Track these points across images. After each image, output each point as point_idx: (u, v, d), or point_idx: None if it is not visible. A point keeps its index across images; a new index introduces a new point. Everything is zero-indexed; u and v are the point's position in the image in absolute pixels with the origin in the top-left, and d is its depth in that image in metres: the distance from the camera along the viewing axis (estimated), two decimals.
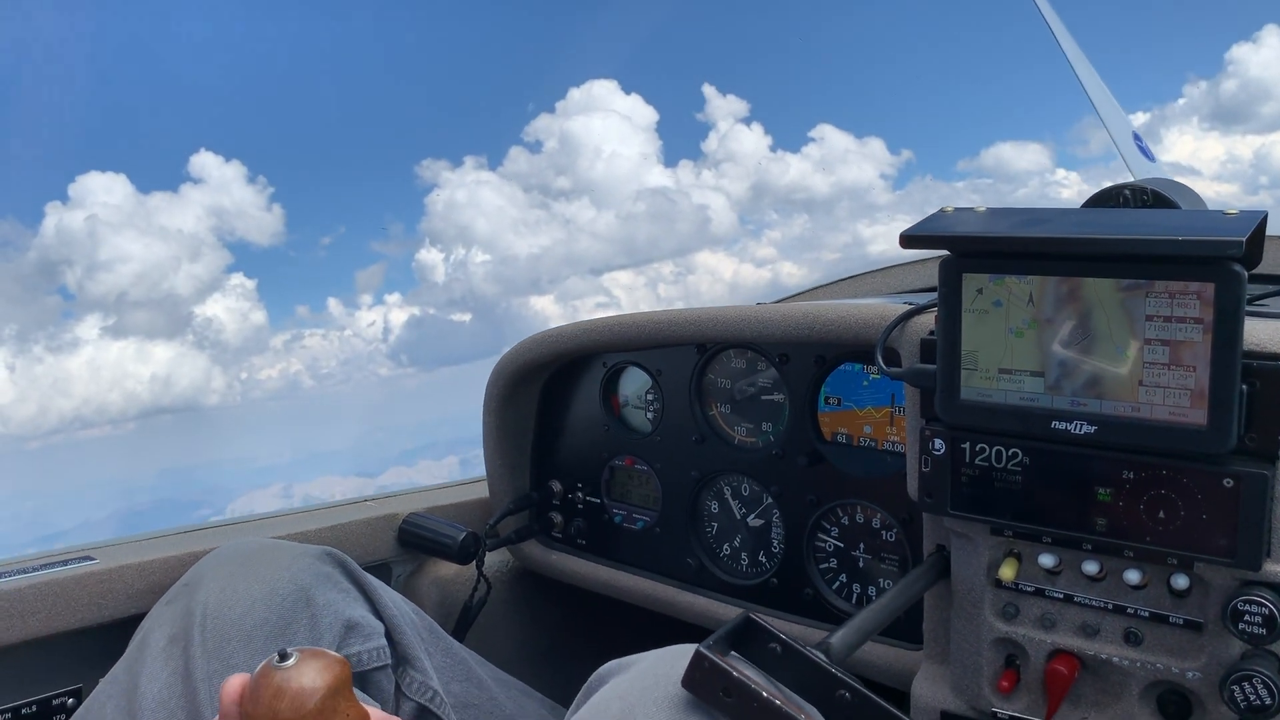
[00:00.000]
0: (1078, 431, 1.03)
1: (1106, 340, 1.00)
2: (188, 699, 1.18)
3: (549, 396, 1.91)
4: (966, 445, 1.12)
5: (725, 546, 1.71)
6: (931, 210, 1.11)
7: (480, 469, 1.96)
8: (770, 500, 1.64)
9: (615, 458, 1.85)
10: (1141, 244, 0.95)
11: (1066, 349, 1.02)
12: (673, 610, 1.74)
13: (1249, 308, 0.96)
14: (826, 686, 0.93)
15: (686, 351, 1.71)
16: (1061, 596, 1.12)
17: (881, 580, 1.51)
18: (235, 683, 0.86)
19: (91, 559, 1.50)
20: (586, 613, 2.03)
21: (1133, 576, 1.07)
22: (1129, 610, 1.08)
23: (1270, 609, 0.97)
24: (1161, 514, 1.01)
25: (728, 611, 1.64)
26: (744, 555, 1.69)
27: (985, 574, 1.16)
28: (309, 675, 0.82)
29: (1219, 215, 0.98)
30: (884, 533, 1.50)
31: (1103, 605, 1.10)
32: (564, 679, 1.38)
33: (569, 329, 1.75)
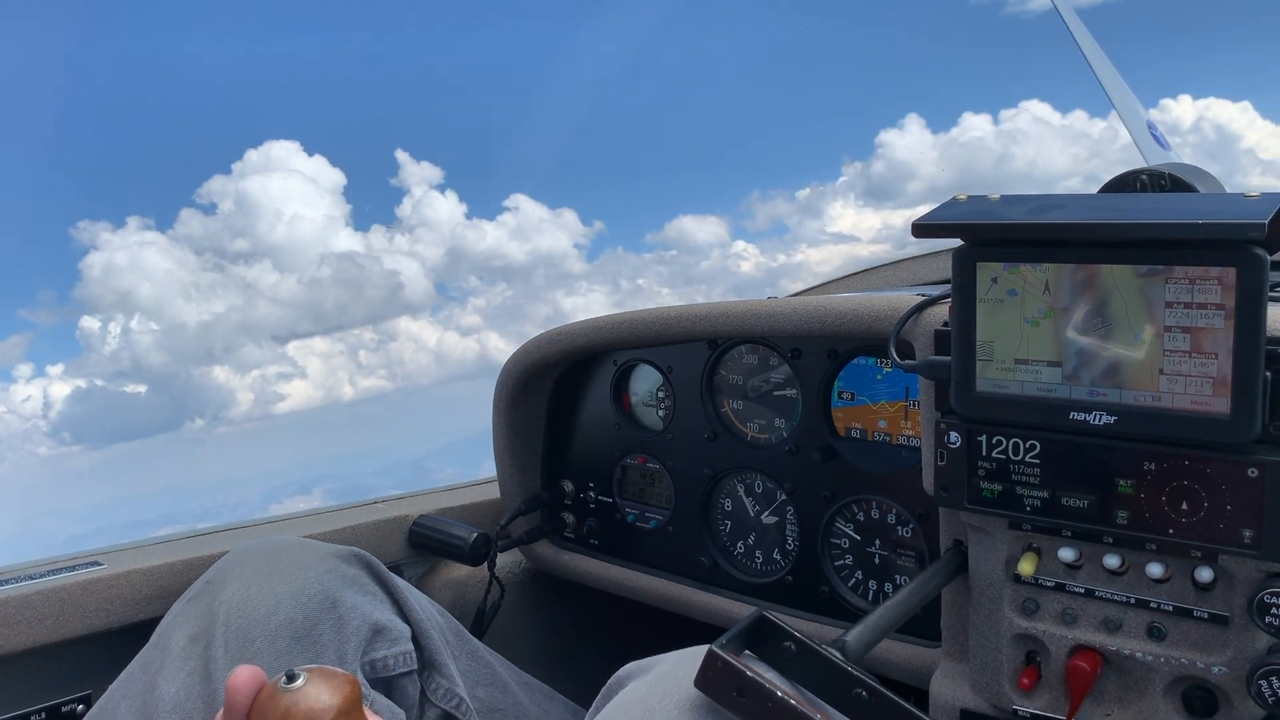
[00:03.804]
0: (1097, 422, 1.01)
1: (1125, 328, 0.98)
2: (206, 700, 1.15)
3: (559, 395, 1.90)
4: (983, 438, 1.10)
5: (739, 544, 1.70)
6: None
7: None
8: (784, 497, 1.62)
9: (627, 456, 1.83)
10: (1160, 228, 0.93)
11: (1084, 338, 1.00)
12: (687, 610, 1.72)
13: (1272, 294, 0.93)
14: (843, 685, 0.91)
15: (697, 348, 1.69)
16: (1082, 591, 1.10)
17: (898, 577, 1.49)
18: (245, 675, 0.83)
19: (99, 564, 1.49)
20: (600, 613, 2.01)
21: (1155, 570, 1.04)
22: (1152, 604, 1.06)
23: None
24: (1184, 506, 0.99)
25: (742, 610, 1.62)
26: (758, 553, 1.67)
27: (1004, 569, 1.14)
28: (317, 696, 0.80)
29: (1239, 198, 0.95)
30: (900, 528, 1.48)
31: (1125, 600, 1.08)
32: (579, 680, 1.36)
33: (578, 326, 1.74)
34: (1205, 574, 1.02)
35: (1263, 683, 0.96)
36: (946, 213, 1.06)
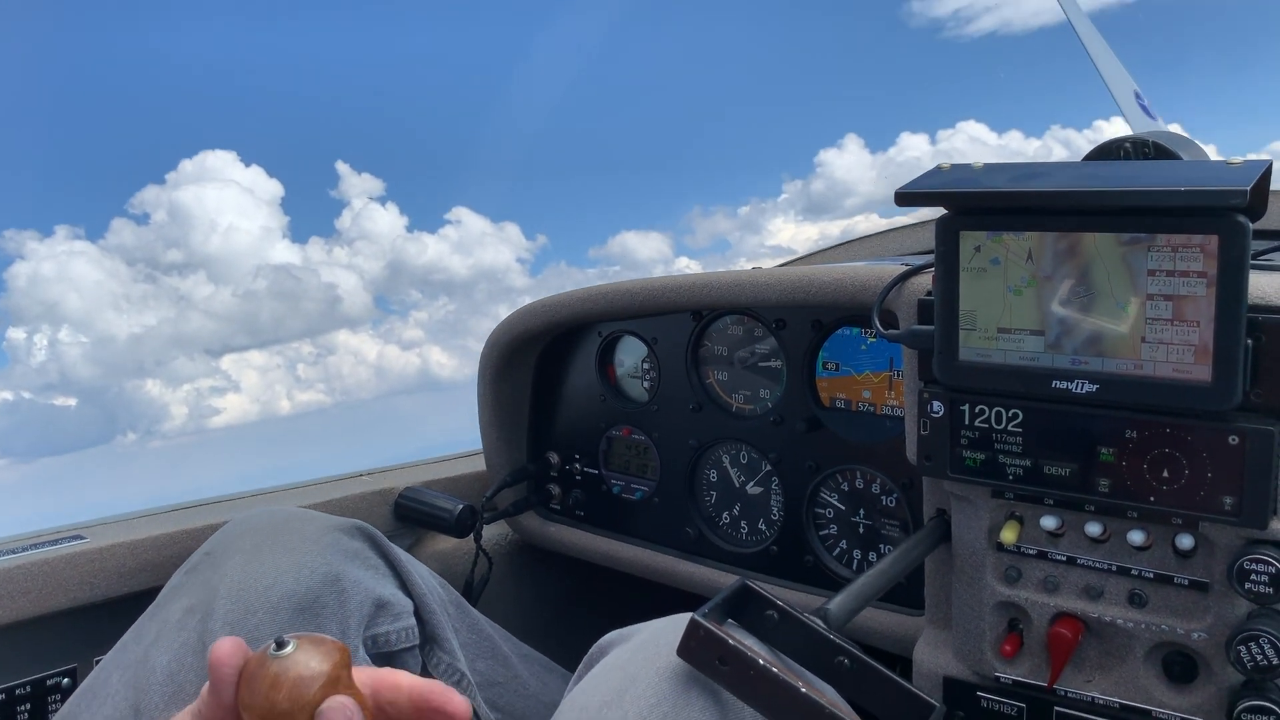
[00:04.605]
0: (1079, 390, 1.01)
1: (1107, 296, 0.97)
2: (199, 672, 1.12)
3: (544, 367, 1.89)
4: (965, 407, 1.10)
5: (724, 515, 1.70)
6: None
7: None
8: (769, 468, 1.62)
9: (612, 428, 1.83)
10: (1142, 195, 0.92)
11: (1066, 306, 1.00)
12: (673, 580, 1.73)
13: (1253, 262, 0.93)
14: (825, 653, 0.91)
15: (682, 319, 1.68)
16: (1064, 559, 1.10)
17: (883, 546, 1.50)
18: (229, 646, 0.81)
19: (82, 538, 1.49)
20: (587, 584, 2.02)
21: (1136, 537, 1.05)
22: (1133, 571, 1.06)
23: (1277, 567, 0.95)
24: (1165, 473, 0.99)
25: (728, 580, 1.61)
26: (743, 523, 1.67)
27: (986, 537, 1.15)
28: (306, 663, 0.79)
29: (1221, 165, 0.95)
30: (884, 498, 1.48)
31: (1106, 567, 1.08)
32: (567, 651, 1.37)
33: (563, 298, 1.73)
34: (1186, 541, 1.02)
35: (1241, 648, 0.97)
36: (929, 181, 1.05)
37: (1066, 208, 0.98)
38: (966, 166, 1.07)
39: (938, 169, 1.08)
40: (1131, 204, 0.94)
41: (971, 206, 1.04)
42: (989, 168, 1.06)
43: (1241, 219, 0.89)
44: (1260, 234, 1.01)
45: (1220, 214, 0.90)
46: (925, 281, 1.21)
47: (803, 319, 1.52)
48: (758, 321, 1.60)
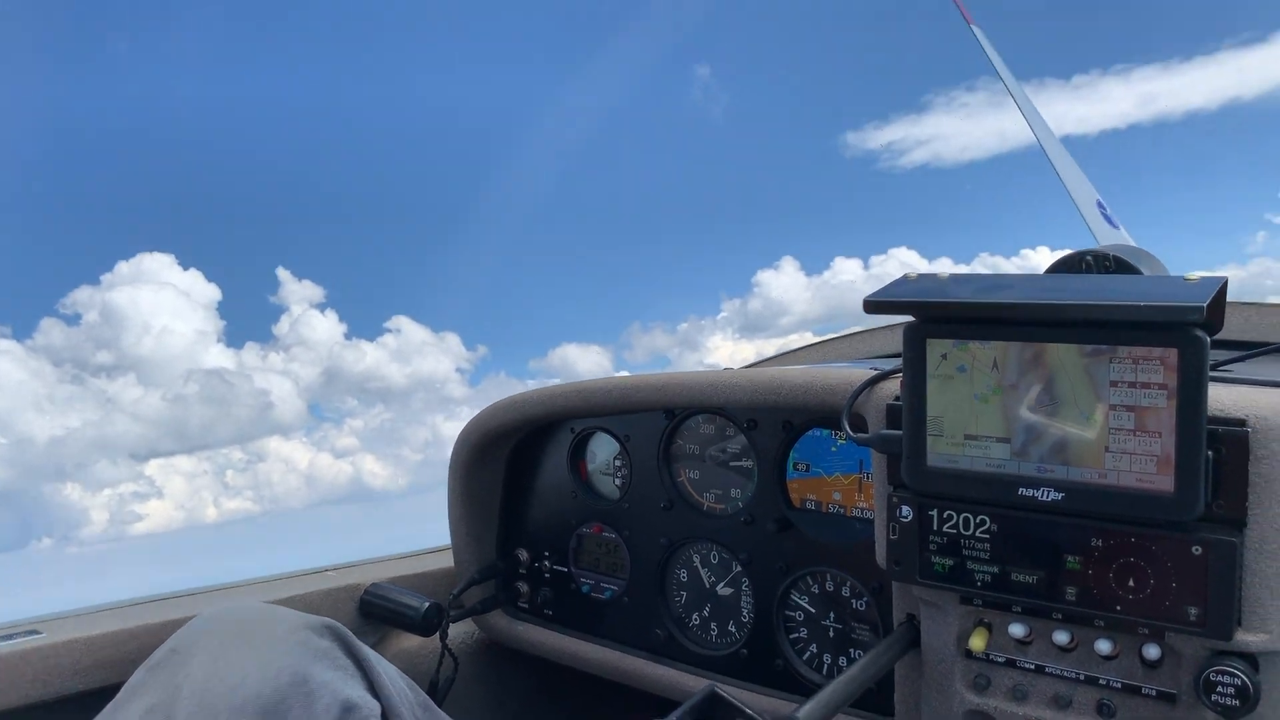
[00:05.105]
0: (1045, 498, 1.02)
1: (1071, 406, 0.99)
2: None
3: (516, 463, 1.89)
4: (934, 512, 1.11)
5: (694, 616, 1.68)
6: None
7: None
8: (739, 568, 1.61)
9: (583, 525, 1.82)
10: (1104, 309, 0.95)
11: (1032, 415, 1.01)
12: (641, 683, 1.70)
13: (1212, 373, 0.96)
14: None
15: (654, 417, 1.69)
16: (1033, 667, 1.10)
17: (853, 650, 1.49)
18: None
19: (38, 633, 1.45)
20: (555, 685, 1.98)
21: (1104, 646, 1.05)
22: (1101, 681, 1.06)
23: (1243, 680, 0.95)
24: (1131, 582, 1.00)
25: (697, 683, 1.60)
26: (713, 625, 1.66)
27: (955, 644, 1.14)
28: None
29: (1179, 281, 0.98)
30: (854, 601, 1.48)
31: (1075, 676, 1.08)
32: None
33: (535, 394, 1.73)
34: (1153, 651, 1.02)
35: None
36: (897, 290, 1.08)
37: (1030, 319, 1.00)
38: (933, 276, 1.10)
39: (904, 278, 1.11)
40: (1093, 317, 0.96)
41: (938, 315, 1.06)
42: (955, 278, 1.08)
43: (1199, 333, 0.92)
44: (1218, 344, 1.03)
45: (1179, 328, 0.92)
46: (894, 386, 1.22)
47: (774, 419, 1.53)
48: (729, 421, 1.61)
